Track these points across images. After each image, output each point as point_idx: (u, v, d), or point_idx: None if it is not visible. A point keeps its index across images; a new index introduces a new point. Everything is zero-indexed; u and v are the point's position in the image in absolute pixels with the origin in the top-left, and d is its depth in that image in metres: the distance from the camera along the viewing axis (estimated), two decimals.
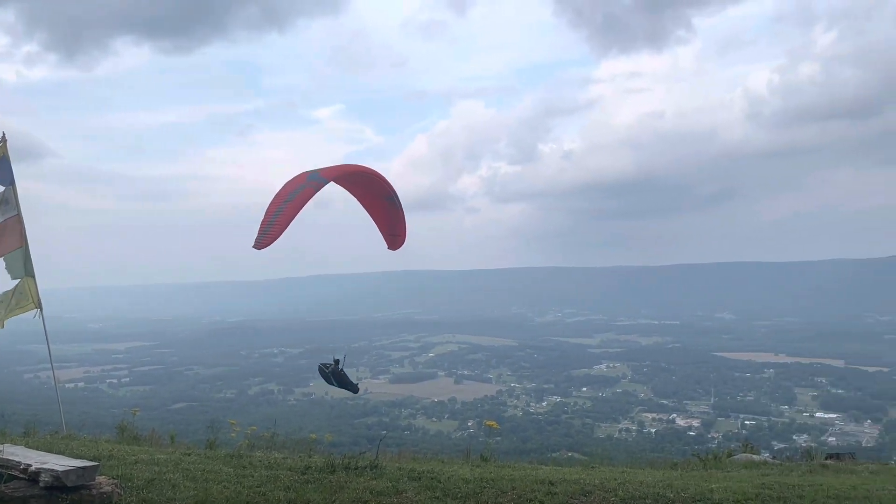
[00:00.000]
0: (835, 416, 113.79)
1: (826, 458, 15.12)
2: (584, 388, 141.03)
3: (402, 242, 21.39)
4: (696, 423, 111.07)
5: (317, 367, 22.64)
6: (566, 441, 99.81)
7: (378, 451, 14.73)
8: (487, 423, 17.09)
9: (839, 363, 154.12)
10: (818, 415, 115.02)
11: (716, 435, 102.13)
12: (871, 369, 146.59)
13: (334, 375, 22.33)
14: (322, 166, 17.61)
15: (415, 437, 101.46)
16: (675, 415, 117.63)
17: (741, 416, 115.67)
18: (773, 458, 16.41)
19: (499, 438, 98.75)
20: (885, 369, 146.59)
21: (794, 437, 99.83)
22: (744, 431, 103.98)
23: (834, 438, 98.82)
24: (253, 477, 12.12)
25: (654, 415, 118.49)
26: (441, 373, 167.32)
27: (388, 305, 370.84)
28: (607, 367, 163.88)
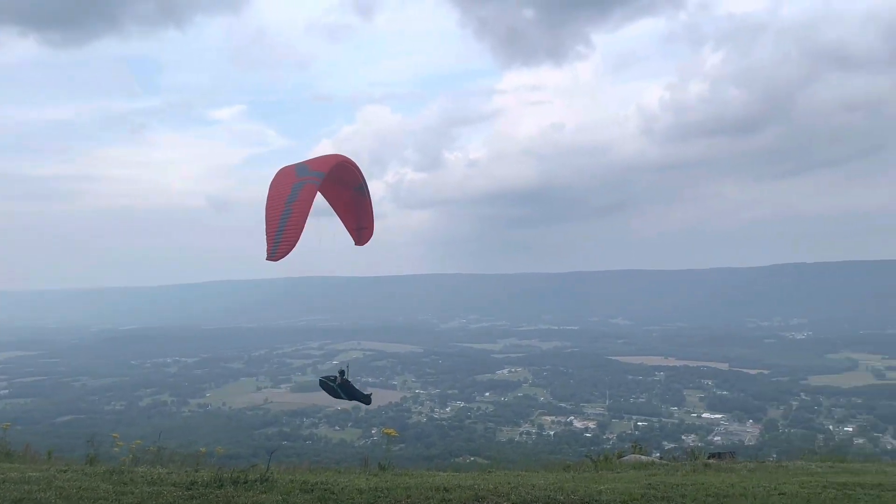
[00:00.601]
0: (720, 416, 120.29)
1: (708, 458, 15.88)
2: (488, 393, 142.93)
3: (370, 236, 20.69)
4: (592, 424, 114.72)
5: (318, 382, 21.63)
6: (469, 446, 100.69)
7: (269, 463, 14.22)
8: (385, 431, 16.94)
9: (724, 366, 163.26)
10: (705, 415, 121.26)
11: (610, 436, 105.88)
12: (752, 371, 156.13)
13: (342, 388, 21.31)
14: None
15: (317, 446, 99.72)
16: (572, 417, 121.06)
17: (634, 417, 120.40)
18: (661, 458, 17.09)
19: (403, 445, 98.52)
20: (766, 371, 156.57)
21: (683, 436, 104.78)
22: (636, 432, 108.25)
23: (719, 438, 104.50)
24: (133, 494, 11.43)
25: (553, 417, 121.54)
26: None
27: (291, 312, 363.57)
28: (509, 371, 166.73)
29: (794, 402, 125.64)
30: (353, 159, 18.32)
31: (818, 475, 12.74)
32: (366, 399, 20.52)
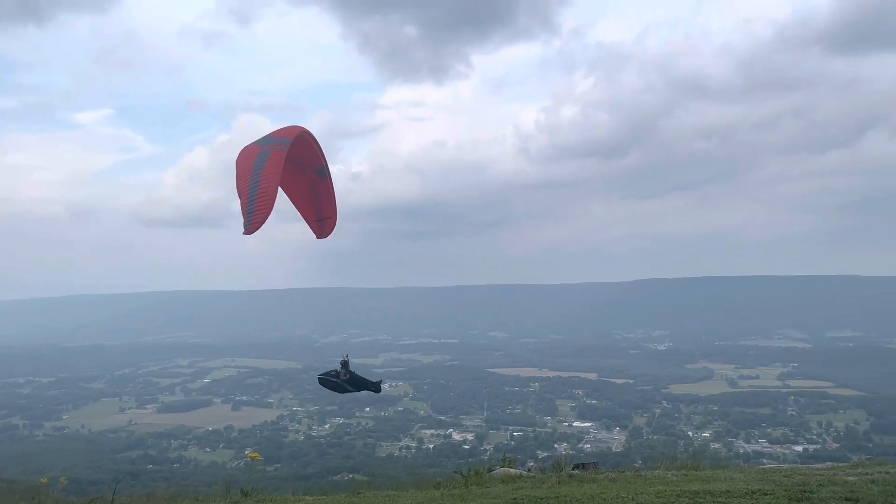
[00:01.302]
0: (589, 424, 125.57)
1: (573, 469, 16.41)
2: (367, 409, 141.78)
3: (333, 226, 18.72)
4: (470, 436, 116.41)
5: (318, 380, 19.37)
6: (347, 463, 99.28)
7: (115, 493, 13.33)
8: (249, 455, 15.64)
9: (593, 376, 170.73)
10: (576, 424, 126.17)
11: (488, 447, 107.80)
12: (619, 381, 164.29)
13: (350, 382, 19.56)
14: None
15: (185, 469, 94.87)
16: (451, 430, 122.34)
17: (510, 427, 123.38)
18: (529, 470, 17.53)
19: (278, 465, 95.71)
20: (631, 381, 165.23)
21: (556, 445, 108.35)
22: (512, 443, 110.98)
23: (589, 445, 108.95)
24: None
25: (433, 431, 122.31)
26: (217, 399, 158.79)
27: (159, 328, 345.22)
28: (390, 385, 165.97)
29: (657, 410, 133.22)
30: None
31: (673, 483, 13.46)
32: (376, 387, 19.14)
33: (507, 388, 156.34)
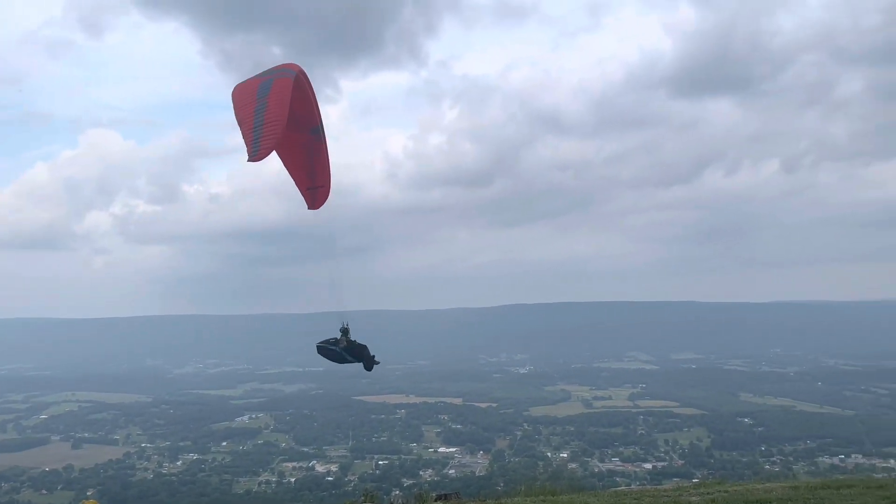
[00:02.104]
0: (454, 449, 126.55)
1: (436, 500, 16.32)
2: (224, 443, 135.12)
3: (326, 196, 17.32)
4: (334, 467, 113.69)
5: (316, 349, 18.17)
6: (202, 501, 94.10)
7: None
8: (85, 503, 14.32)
9: (459, 401, 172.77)
10: (441, 449, 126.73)
11: (352, 478, 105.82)
12: (483, 405, 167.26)
13: (349, 351, 17.62)
14: None
15: None
16: (315, 461, 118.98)
17: (376, 456, 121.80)
18: (392, 502, 17.25)
19: None
20: (494, 404, 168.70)
21: (421, 472, 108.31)
22: (377, 472, 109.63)
23: (453, 471, 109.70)
24: None
25: (295, 463, 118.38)
26: (55, 437, 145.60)
27: None
28: (250, 418, 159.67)
29: (519, 432, 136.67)
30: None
31: None
32: (370, 364, 18.19)
33: (373, 416, 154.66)
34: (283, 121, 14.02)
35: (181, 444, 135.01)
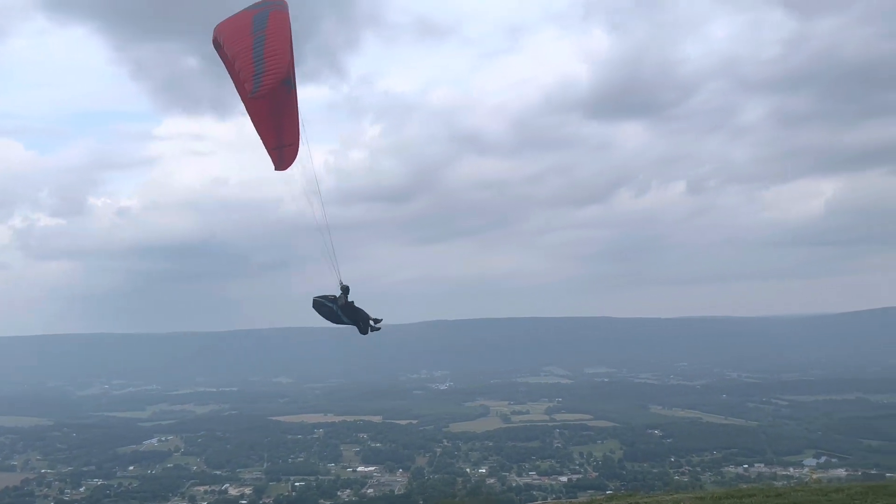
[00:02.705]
0: (373, 468, 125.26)
1: None
2: (132, 467, 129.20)
3: (294, 156, 15.74)
4: (248, 490, 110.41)
5: (311, 301, 16.76)
6: None
7: None
8: None
9: (378, 419, 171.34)
10: (360, 469, 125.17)
11: (267, 500, 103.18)
12: (403, 422, 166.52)
13: (346, 312, 16.54)
14: None
15: None
16: (227, 485, 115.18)
17: (292, 477, 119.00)
18: None
19: None
20: (415, 421, 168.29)
21: (339, 492, 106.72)
22: (294, 493, 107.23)
23: (372, 490, 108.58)
24: None
25: (207, 487, 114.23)
26: None
27: None
28: (159, 441, 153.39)
29: (438, 449, 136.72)
30: None
31: None
32: (366, 328, 17.31)
33: (290, 437, 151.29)
34: (286, 55, 13.04)
35: (85, 469, 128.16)
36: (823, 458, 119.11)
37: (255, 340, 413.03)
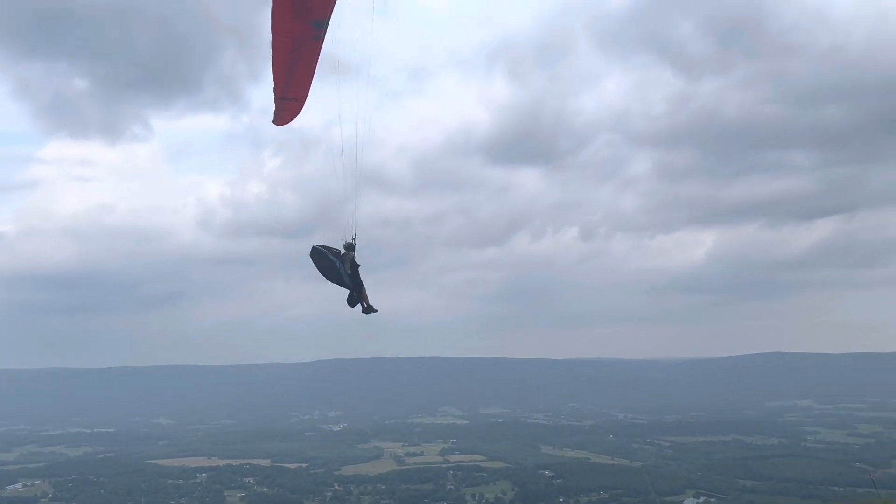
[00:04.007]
0: None
1: None
2: None
3: (295, 113, 14.83)
4: None
5: (311, 249, 15.05)
6: None
7: None
8: None
9: (267, 462, 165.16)
10: None
11: None
12: (293, 466, 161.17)
13: (349, 264, 14.98)
14: None
15: None
16: None
17: None
18: None
19: None
20: (305, 465, 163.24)
21: None
22: None
23: None
24: None
25: None
26: None
27: None
28: (24, 486, 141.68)
29: (329, 493, 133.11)
30: None
31: None
32: (363, 304, 15.60)
33: (169, 481, 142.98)
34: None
35: None
36: (703, 498, 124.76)
37: (137, 378, 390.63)
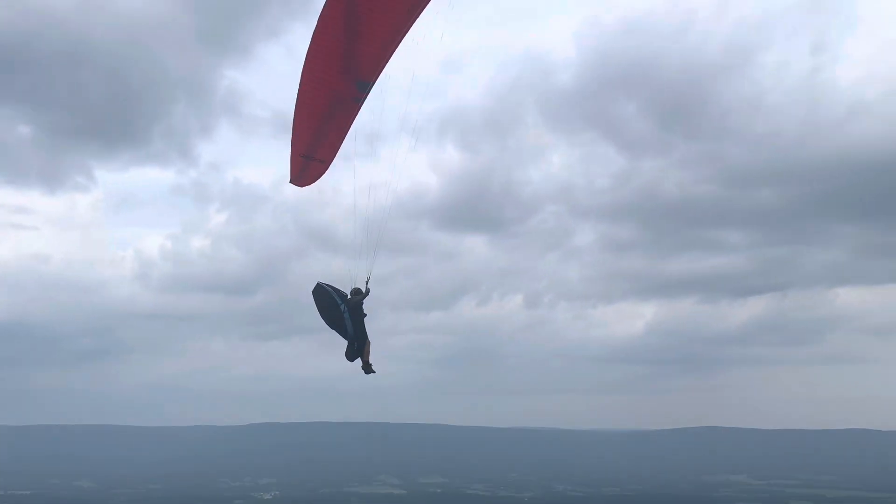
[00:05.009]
0: None
1: None
2: None
3: (318, 177, 13.66)
4: None
5: (315, 285, 14.04)
6: None
7: None
8: None
9: None
10: None
11: None
12: None
13: (353, 319, 13.70)
14: None
15: None
16: None
17: None
18: None
19: None
20: None
21: None
22: None
23: None
24: None
25: None
26: None
27: None
28: None
29: None
30: None
31: None
32: (359, 353, 14.57)
33: None
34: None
35: None
36: None
37: (59, 437, 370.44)
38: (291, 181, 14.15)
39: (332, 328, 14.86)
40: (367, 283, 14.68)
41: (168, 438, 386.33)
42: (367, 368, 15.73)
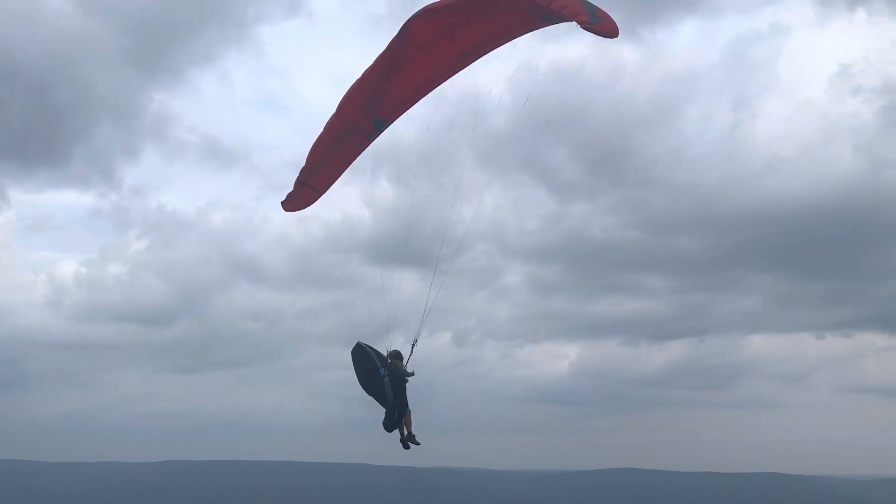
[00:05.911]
0: None
1: None
2: None
3: (309, 204, 13.66)
4: None
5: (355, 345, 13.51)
6: None
7: None
8: None
9: None
10: None
11: None
12: None
13: (396, 384, 12.90)
14: None
15: None
16: None
17: None
18: None
19: None
20: None
21: None
22: None
23: None
24: None
25: None
26: None
27: None
28: None
29: None
30: None
31: None
32: (398, 424, 13.37)
33: None
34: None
35: None
36: None
37: None
38: (282, 203, 14.27)
39: (370, 395, 13.82)
40: (410, 353, 13.88)
41: (73, 475, 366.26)
42: (410, 439, 14.49)
